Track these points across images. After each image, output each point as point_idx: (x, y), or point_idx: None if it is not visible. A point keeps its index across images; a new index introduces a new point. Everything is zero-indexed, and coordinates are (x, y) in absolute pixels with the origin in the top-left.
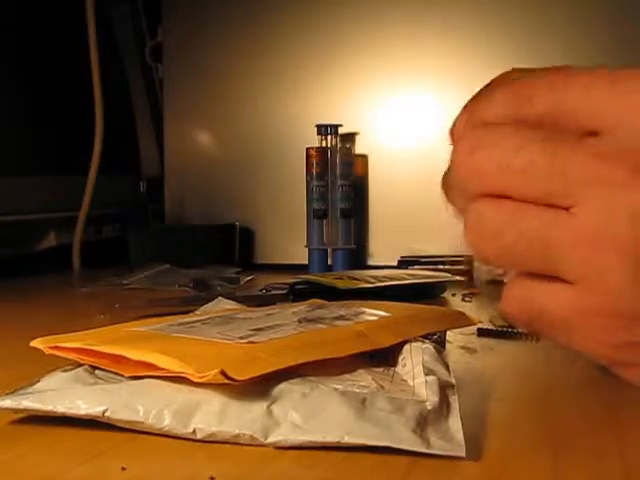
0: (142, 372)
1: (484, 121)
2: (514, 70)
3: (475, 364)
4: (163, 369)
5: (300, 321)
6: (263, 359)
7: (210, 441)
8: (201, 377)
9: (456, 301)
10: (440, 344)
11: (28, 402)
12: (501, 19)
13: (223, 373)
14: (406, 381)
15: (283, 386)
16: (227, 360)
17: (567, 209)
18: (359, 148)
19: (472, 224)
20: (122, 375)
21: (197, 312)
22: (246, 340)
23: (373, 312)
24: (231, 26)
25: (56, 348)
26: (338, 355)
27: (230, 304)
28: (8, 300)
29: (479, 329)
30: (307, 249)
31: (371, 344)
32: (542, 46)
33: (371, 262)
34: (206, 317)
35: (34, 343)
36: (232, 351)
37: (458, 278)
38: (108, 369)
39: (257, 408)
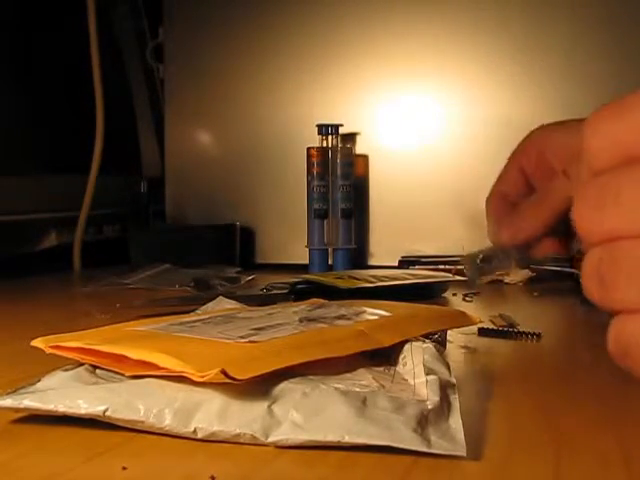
0: (143, 371)
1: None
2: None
3: (476, 364)
4: (164, 368)
5: (301, 320)
6: (264, 358)
7: (211, 440)
8: (202, 376)
9: (457, 301)
10: (441, 344)
11: (29, 401)
12: (501, 19)
13: (224, 372)
14: (407, 380)
15: (284, 385)
16: (228, 359)
17: None
18: (360, 148)
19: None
20: (123, 374)
21: (198, 311)
22: (247, 339)
23: (374, 311)
24: (232, 27)
25: (57, 347)
26: (339, 354)
27: (231, 303)
28: (9, 300)
29: (480, 329)
30: (308, 249)
31: (371, 343)
32: (543, 46)
33: (372, 262)
34: (207, 316)
35: (35, 342)
36: (233, 350)
37: (459, 278)
38: (109, 368)
39: (258, 407)
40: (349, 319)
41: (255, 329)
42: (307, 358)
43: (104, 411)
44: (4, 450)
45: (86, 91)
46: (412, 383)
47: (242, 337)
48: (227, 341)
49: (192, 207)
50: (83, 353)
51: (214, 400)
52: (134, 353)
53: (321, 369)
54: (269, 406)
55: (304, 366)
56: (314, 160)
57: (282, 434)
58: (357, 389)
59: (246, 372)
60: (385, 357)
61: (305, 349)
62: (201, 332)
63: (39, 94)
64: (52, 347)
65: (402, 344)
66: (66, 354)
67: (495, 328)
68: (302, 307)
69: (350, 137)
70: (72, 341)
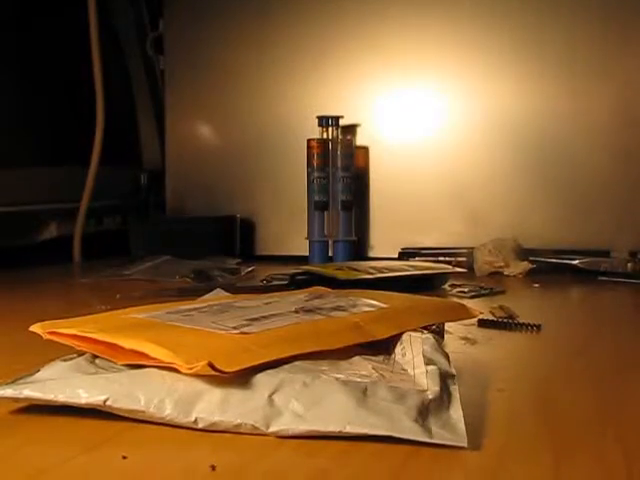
0: (135, 360)
1: None
2: None
3: (475, 354)
4: (154, 359)
5: (297, 311)
6: (253, 351)
7: (211, 430)
8: (189, 368)
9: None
10: (439, 334)
11: (29, 391)
12: (501, 12)
13: (211, 365)
14: (406, 370)
15: (284, 375)
16: (216, 352)
17: None
18: (360, 140)
19: None
20: (116, 362)
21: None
22: (239, 331)
23: (371, 303)
24: (232, 18)
25: (53, 334)
26: (330, 347)
27: (229, 296)
28: (9, 290)
29: (480, 320)
30: (308, 241)
31: (365, 336)
32: (543, 39)
33: (372, 254)
34: (204, 305)
35: (33, 328)
36: (223, 342)
37: (458, 270)
38: (106, 357)
39: (258, 398)
40: (345, 310)
41: (249, 320)
42: (298, 351)
43: (104, 401)
44: (4, 440)
45: (87, 83)
46: (412, 373)
47: (235, 328)
48: (219, 332)
49: (192, 199)
50: (78, 340)
51: (215, 390)
52: (126, 342)
53: (317, 357)
54: (270, 396)
55: (299, 355)
56: (314, 152)
57: (283, 424)
58: (357, 379)
59: (233, 365)
60: (384, 346)
61: (297, 342)
62: (195, 321)
63: (40, 87)
64: (49, 333)
65: (400, 334)
66: (62, 340)
67: (495, 319)
68: (300, 297)
69: (350, 129)
70: (68, 327)
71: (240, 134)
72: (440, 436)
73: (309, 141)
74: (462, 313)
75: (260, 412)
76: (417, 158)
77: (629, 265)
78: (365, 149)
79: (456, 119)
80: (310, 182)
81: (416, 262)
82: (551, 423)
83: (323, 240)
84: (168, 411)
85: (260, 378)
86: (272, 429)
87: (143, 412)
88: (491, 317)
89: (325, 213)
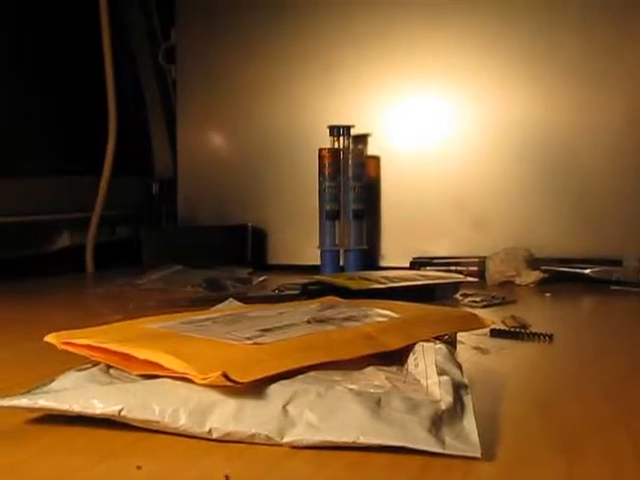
0: (149, 371)
1: None
2: None
3: (488, 364)
4: (168, 369)
5: (309, 322)
6: (266, 361)
7: (226, 441)
8: (204, 379)
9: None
10: (451, 344)
11: (44, 401)
12: (510, 22)
13: (225, 375)
14: (419, 381)
15: (298, 386)
16: (230, 362)
17: None
18: (371, 149)
19: None
20: (130, 373)
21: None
22: (252, 341)
23: (383, 313)
24: (244, 28)
25: (68, 344)
26: (343, 357)
27: (241, 306)
28: (22, 300)
29: (492, 330)
30: (319, 250)
31: (377, 347)
32: (552, 47)
33: (383, 263)
34: (217, 315)
35: (48, 338)
36: (236, 353)
37: (470, 279)
38: (120, 368)
39: (273, 408)
40: (357, 320)
41: (262, 330)
42: (311, 361)
43: (119, 411)
44: (19, 450)
45: (99, 93)
46: (425, 384)
47: (248, 338)
48: (233, 342)
49: (204, 208)
50: (93, 350)
51: (229, 400)
52: (140, 353)
53: (331, 367)
54: (284, 406)
55: (312, 366)
56: (326, 161)
57: (297, 434)
58: (371, 390)
59: (247, 375)
60: (396, 357)
61: (310, 352)
62: (209, 332)
63: (53, 96)
64: (64, 343)
65: (413, 344)
66: (77, 351)
67: (507, 329)
68: (312, 307)
69: (362, 138)
70: (83, 338)
71: (251, 143)
72: (453, 447)
73: (320, 150)
74: (474, 323)
75: (274, 422)
76: (428, 167)
77: None
78: (376, 158)
79: (467, 129)
80: (321, 191)
81: (428, 271)
82: (563, 432)
83: (334, 249)
84: (182, 421)
85: (274, 388)
86: (286, 439)
87: (157, 422)
88: (503, 327)
89: (336, 222)
